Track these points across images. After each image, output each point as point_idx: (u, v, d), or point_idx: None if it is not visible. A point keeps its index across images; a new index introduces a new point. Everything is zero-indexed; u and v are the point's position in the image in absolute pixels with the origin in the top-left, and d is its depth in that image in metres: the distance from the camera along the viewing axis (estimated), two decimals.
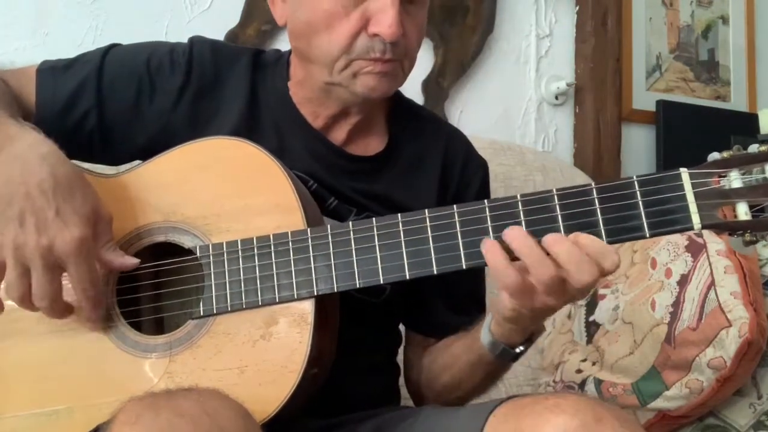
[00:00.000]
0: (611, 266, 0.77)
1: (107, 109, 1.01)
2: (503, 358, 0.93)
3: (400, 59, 0.96)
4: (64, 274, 0.84)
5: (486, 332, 0.93)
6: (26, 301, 0.84)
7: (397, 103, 1.11)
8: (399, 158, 1.06)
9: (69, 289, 0.85)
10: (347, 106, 1.00)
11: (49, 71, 1.02)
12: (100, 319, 0.88)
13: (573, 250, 0.76)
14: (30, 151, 0.85)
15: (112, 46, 1.05)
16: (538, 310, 0.82)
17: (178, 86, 1.02)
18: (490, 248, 0.79)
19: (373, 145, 1.06)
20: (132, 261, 0.88)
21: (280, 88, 1.04)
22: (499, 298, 0.83)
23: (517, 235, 0.79)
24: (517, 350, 0.92)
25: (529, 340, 0.92)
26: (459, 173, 1.09)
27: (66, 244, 0.81)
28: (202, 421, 0.70)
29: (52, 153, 0.85)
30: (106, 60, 1.02)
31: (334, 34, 0.93)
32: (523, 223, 0.82)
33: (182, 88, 1.02)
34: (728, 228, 0.79)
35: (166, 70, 1.02)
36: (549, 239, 0.77)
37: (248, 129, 1.00)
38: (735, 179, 0.79)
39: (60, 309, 0.85)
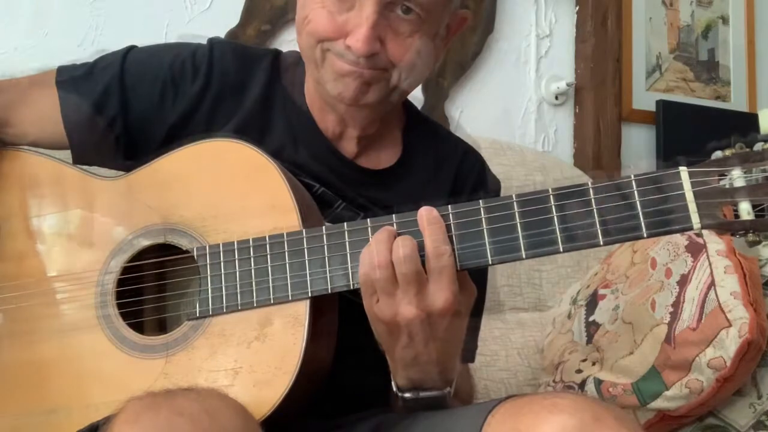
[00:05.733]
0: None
1: (132, 114, 1.01)
2: (395, 398, 0.91)
3: (379, 68, 0.94)
4: None
5: None
6: None
7: (413, 118, 1.11)
8: (411, 173, 1.06)
9: None
10: (345, 115, 1.00)
11: (70, 82, 1.02)
12: None
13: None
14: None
15: (130, 49, 1.05)
16: (400, 329, 0.83)
17: (198, 90, 1.02)
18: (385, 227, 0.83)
19: (385, 158, 1.06)
20: None
21: (297, 93, 1.04)
22: None
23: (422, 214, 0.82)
24: (402, 394, 0.90)
25: (415, 390, 0.90)
26: (469, 192, 1.08)
27: None
28: (201, 420, 0.70)
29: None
30: (126, 64, 1.03)
31: (318, 25, 0.93)
32: (519, 226, 0.81)
33: (202, 92, 1.02)
34: (730, 228, 0.77)
35: (188, 73, 1.02)
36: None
37: (260, 130, 1.00)
38: (737, 178, 0.76)
39: None
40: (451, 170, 1.08)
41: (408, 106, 1.12)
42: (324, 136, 1.03)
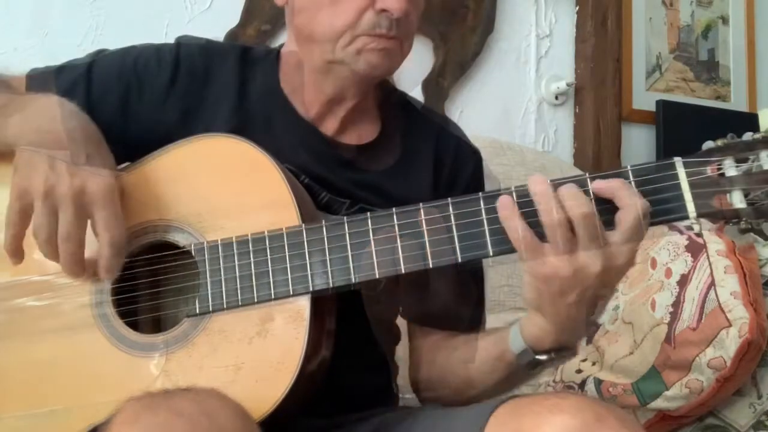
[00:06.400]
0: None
1: (98, 111, 1.00)
2: (522, 360, 0.91)
3: (402, 38, 0.97)
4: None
5: (515, 332, 0.91)
6: (52, 243, 0.85)
7: (388, 93, 1.12)
8: (391, 147, 1.06)
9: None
10: (344, 89, 1.00)
11: (40, 77, 1.02)
12: (114, 272, 0.87)
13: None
14: (59, 106, 0.90)
15: (99, 52, 1.06)
16: (553, 286, 0.81)
17: (165, 83, 1.01)
18: (503, 202, 0.83)
19: (365, 134, 1.06)
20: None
21: (271, 82, 1.05)
22: (523, 281, 0.84)
23: (536, 180, 0.84)
24: (539, 357, 0.89)
25: (557, 351, 0.89)
26: (451, 162, 1.09)
27: (98, 187, 0.84)
28: (200, 421, 0.70)
29: (79, 110, 0.91)
30: (93, 64, 1.03)
31: (339, 10, 0.95)
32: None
33: (170, 85, 1.02)
34: (723, 216, 0.81)
35: (153, 68, 1.02)
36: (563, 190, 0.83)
37: (240, 124, 1.00)
38: (730, 167, 0.79)
39: (81, 258, 0.85)
40: (430, 143, 1.09)
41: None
42: (303, 119, 1.03)
